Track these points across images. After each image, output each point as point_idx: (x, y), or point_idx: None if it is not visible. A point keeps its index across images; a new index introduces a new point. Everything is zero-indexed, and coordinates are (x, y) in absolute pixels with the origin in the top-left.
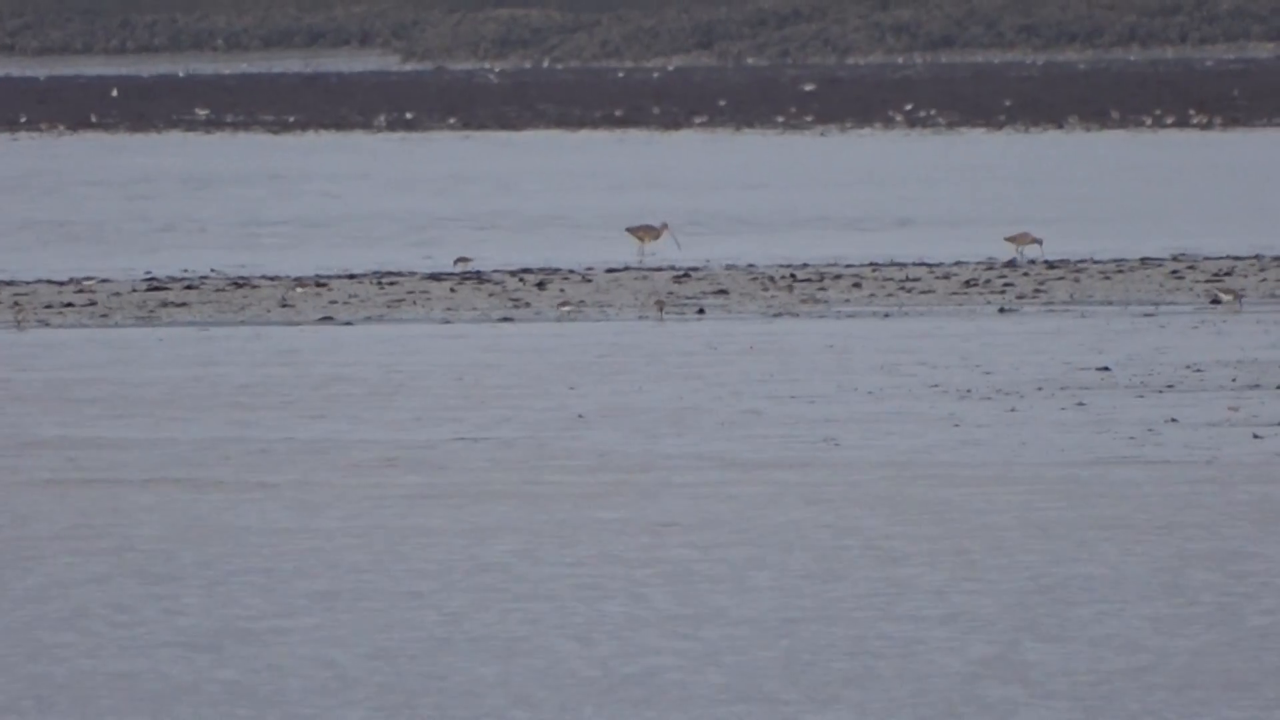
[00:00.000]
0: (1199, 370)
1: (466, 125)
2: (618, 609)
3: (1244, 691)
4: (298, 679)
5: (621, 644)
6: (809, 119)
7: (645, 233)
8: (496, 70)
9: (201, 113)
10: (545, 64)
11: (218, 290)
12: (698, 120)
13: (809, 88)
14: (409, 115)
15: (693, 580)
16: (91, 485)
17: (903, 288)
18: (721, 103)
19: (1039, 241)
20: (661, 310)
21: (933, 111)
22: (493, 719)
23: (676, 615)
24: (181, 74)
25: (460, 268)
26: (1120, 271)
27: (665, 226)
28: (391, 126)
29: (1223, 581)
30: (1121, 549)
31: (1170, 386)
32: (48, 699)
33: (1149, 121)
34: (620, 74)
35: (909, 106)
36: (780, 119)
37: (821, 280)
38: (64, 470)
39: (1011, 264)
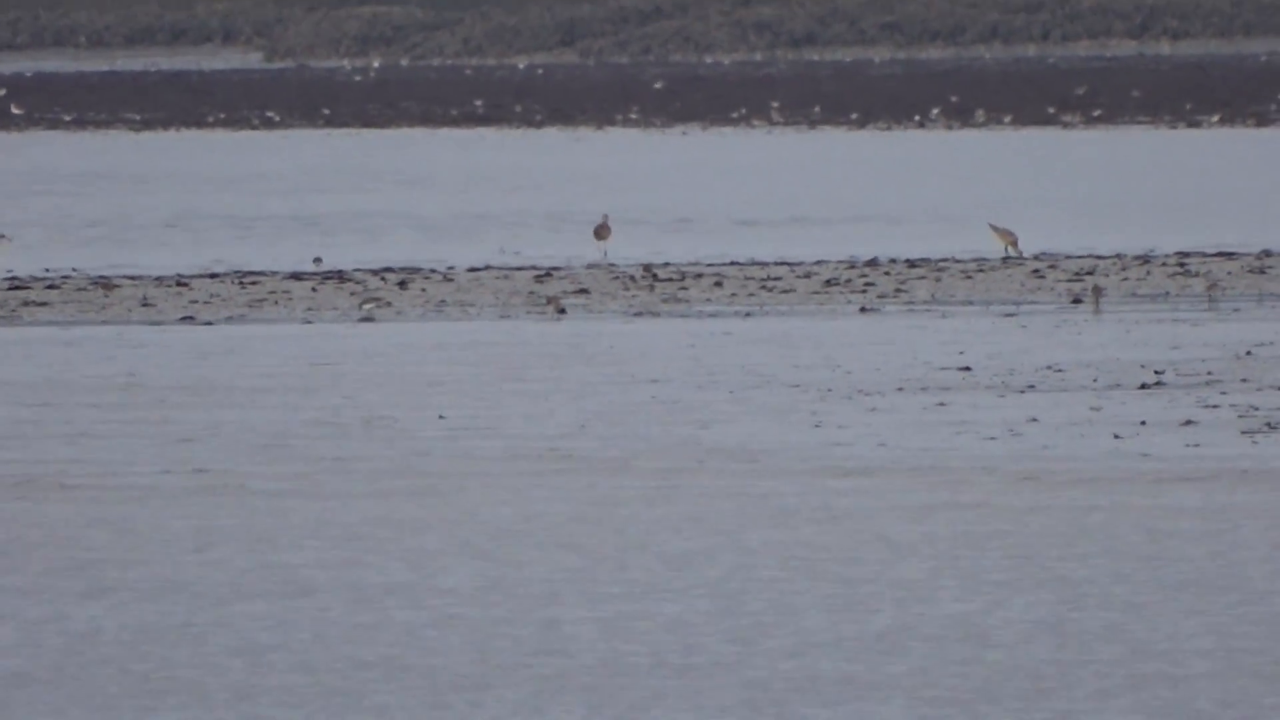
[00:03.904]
0: (1060, 370)
1: (329, 123)
2: (425, 616)
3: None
4: None
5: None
6: (670, 117)
7: (603, 231)
8: (359, 67)
9: (66, 114)
10: (405, 62)
11: (79, 290)
12: (559, 118)
13: (670, 86)
14: (271, 114)
15: (525, 584)
16: None
17: (764, 287)
18: (583, 100)
19: (1014, 241)
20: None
21: (794, 110)
22: None
23: (501, 619)
24: (32, 74)
25: (317, 267)
26: (981, 271)
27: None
28: (255, 125)
29: (1057, 598)
30: (975, 548)
31: (1031, 386)
32: None
33: (1010, 119)
34: (478, 71)
35: (775, 104)
36: (641, 116)
37: (683, 279)
38: None
39: (873, 263)
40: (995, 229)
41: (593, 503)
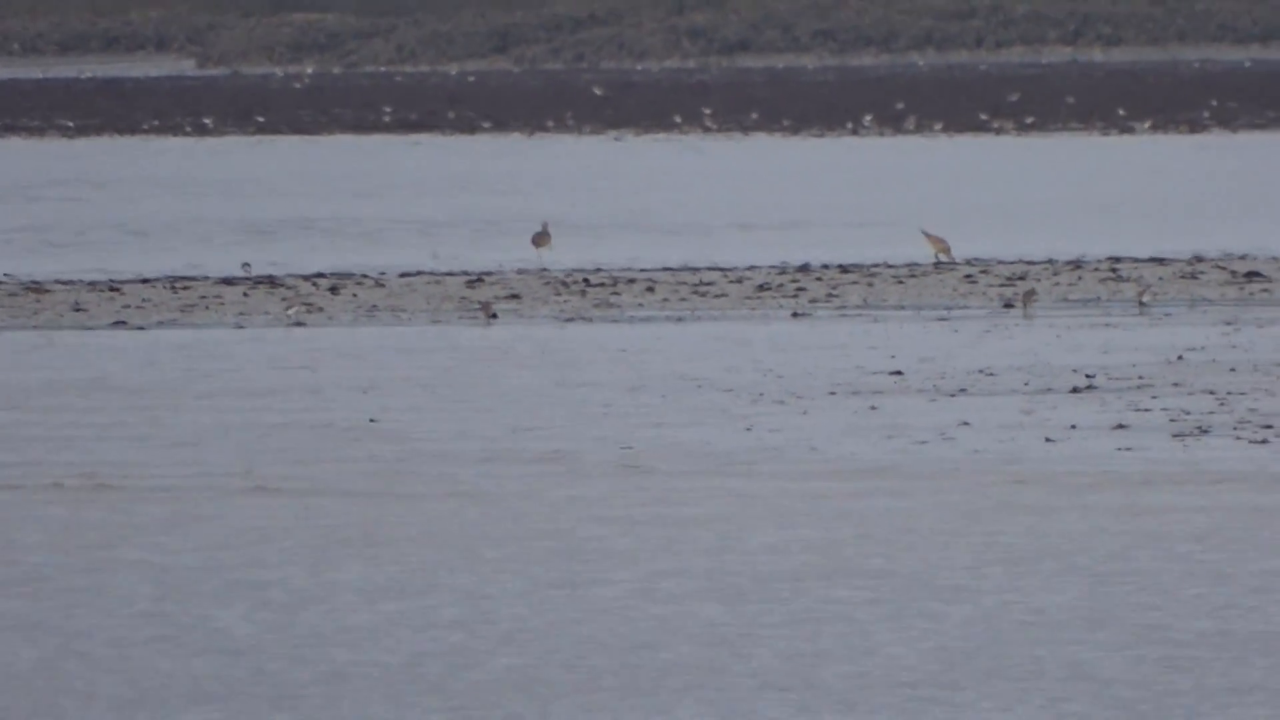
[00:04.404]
0: (991, 374)
1: (262, 130)
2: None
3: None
4: None
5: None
6: (603, 123)
7: (542, 238)
8: (293, 74)
9: None
10: (337, 69)
11: (11, 295)
12: (491, 124)
13: (603, 92)
14: (205, 121)
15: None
16: None
17: (696, 292)
18: (516, 107)
19: (946, 248)
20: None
21: (728, 116)
22: None
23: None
24: None
25: (247, 272)
26: (913, 276)
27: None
28: (188, 131)
29: (1004, 585)
30: (904, 547)
31: (963, 390)
32: None
33: (942, 126)
34: (412, 78)
35: (708, 111)
36: (575, 123)
37: (615, 285)
38: None
39: (805, 268)
40: (928, 235)
41: (521, 505)
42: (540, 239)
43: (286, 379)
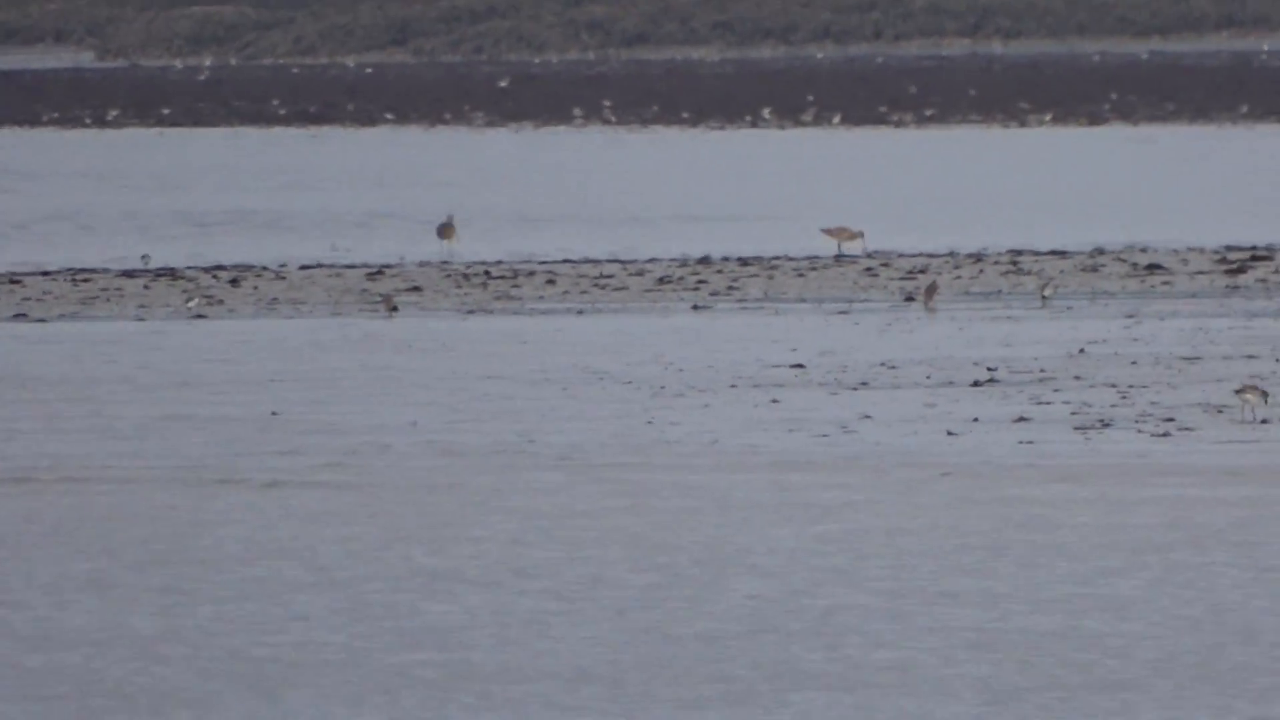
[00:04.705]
0: (893, 367)
1: (162, 123)
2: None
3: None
4: None
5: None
6: (503, 116)
7: (448, 230)
8: (191, 66)
9: None
10: (235, 61)
11: None
12: (391, 117)
13: (503, 84)
14: (105, 113)
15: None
16: None
17: (597, 284)
18: (415, 99)
19: (860, 235)
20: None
21: (628, 109)
22: None
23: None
24: None
25: (147, 264)
26: (814, 269)
27: (451, 219)
28: (88, 123)
29: (890, 571)
30: (801, 542)
31: (864, 384)
32: None
33: (840, 119)
34: (311, 70)
35: (608, 103)
36: (474, 115)
37: (515, 277)
38: None
39: (705, 260)
40: (827, 231)
41: (421, 497)
42: (446, 230)
43: (185, 370)
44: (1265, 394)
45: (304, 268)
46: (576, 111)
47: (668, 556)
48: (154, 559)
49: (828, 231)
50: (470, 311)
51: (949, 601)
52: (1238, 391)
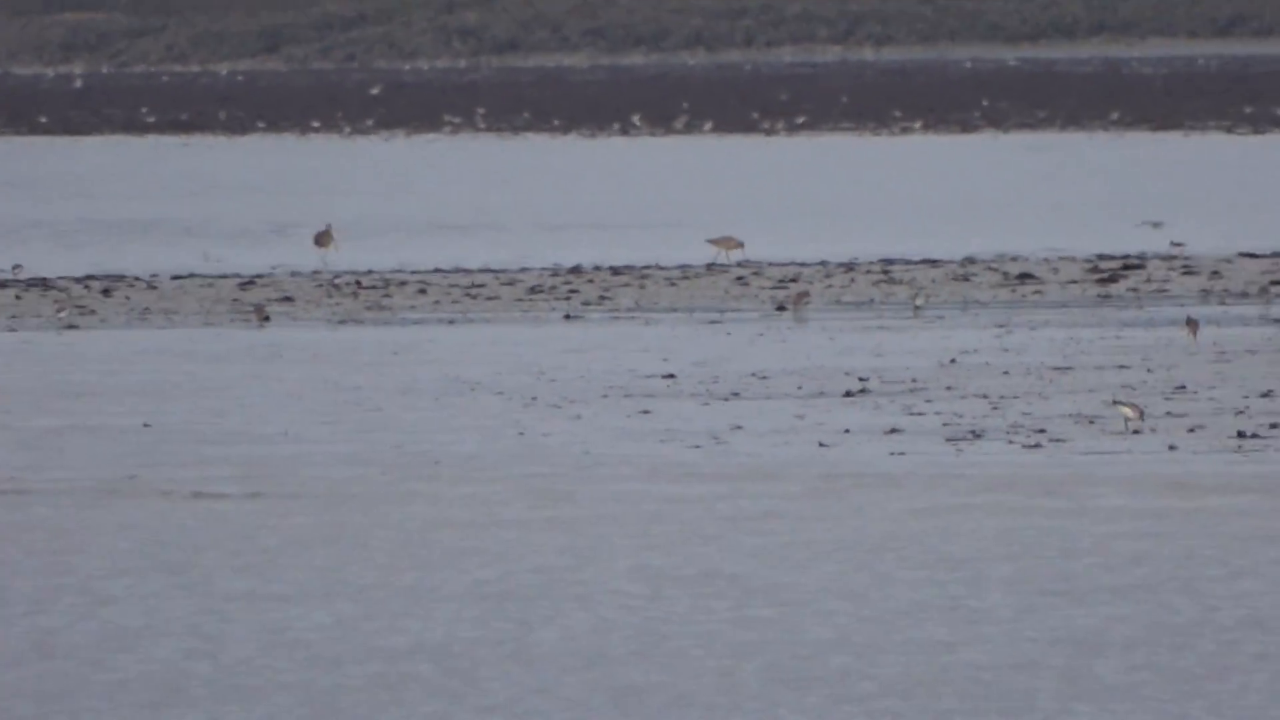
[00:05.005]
0: (764, 378)
1: (35, 131)
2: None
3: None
4: None
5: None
6: (375, 123)
7: (325, 238)
8: (63, 74)
9: None
10: (107, 69)
11: None
12: (263, 125)
13: (375, 91)
14: None
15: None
16: None
17: (468, 294)
18: (286, 107)
19: (741, 245)
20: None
21: (500, 116)
22: None
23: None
24: None
25: (18, 274)
26: (686, 278)
27: (329, 228)
28: None
29: (731, 599)
30: (664, 555)
31: (736, 394)
32: None
33: (711, 126)
34: (182, 78)
35: (480, 111)
36: (346, 123)
37: (387, 287)
38: None
39: (577, 270)
40: (713, 242)
41: (284, 506)
42: (323, 238)
43: (56, 381)
44: (1142, 411)
45: (176, 278)
46: (448, 119)
47: (506, 566)
48: (34, 570)
49: (713, 242)
50: (341, 321)
51: (801, 613)
52: (1116, 403)
